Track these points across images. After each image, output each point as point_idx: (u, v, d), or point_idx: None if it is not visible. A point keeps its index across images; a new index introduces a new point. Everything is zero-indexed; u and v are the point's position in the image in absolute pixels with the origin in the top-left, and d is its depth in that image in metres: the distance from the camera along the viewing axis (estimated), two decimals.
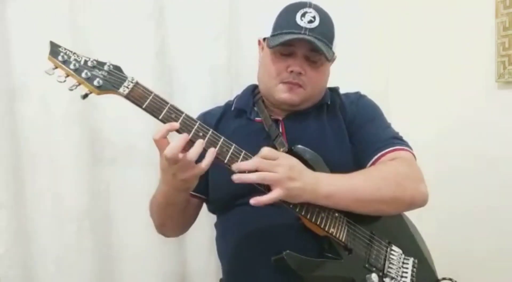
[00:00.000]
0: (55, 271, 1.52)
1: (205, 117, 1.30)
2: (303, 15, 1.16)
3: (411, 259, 1.19)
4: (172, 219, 1.22)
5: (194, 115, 1.36)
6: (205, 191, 1.25)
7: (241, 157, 0.99)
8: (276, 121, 1.25)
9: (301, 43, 1.16)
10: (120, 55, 1.53)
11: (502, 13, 1.63)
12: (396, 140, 1.22)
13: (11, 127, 1.45)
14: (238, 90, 1.63)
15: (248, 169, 0.97)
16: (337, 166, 1.15)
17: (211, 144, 0.97)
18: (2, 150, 1.44)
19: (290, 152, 1.11)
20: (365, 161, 1.19)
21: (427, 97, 1.89)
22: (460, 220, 1.74)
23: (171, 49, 1.63)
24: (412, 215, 1.30)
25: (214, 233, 1.33)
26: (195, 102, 1.64)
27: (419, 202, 1.15)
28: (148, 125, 1.59)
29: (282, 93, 1.20)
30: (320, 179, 1.06)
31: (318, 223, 1.07)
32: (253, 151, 1.02)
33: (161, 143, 0.94)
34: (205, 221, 1.67)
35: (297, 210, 1.04)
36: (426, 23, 1.88)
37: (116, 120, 1.56)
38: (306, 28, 1.15)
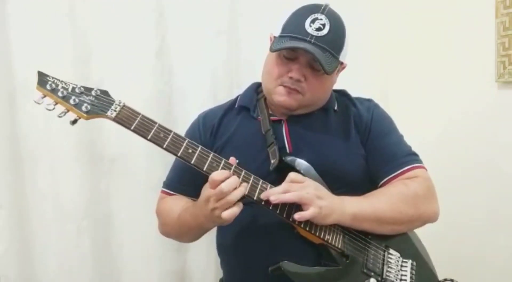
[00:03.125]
0: (55, 271, 1.52)
1: (204, 119, 1.30)
2: (313, 21, 1.14)
3: (409, 262, 1.19)
4: (193, 236, 1.25)
5: (195, 115, 1.38)
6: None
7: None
8: (280, 121, 1.24)
9: (304, 51, 1.14)
10: (120, 55, 1.55)
11: (502, 13, 1.63)
12: (412, 156, 1.24)
13: (11, 127, 1.45)
14: (238, 90, 1.63)
15: (279, 192, 1.04)
16: (341, 172, 1.16)
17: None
18: (2, 150, 1.44)
19: (281, 162, 1.13)
20: (381, 176, 1.22)
21: (427, 98, 1.89)
22: (460, 220, 1.74)
23: (171, 49, 1.63)
24: None
25: (214, 233, 1.32)
26: (195, 102, 1.64)
27: (431, 221, 1.21)
28: None
29: (279, 96, 1.19)
30: (345, 200, 1.10)
31: (312, 231, 1.07)
32: (250, 158, 1.10)
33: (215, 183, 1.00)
34: None
35: (290, 219, 1.05)
36: (426, 23, 1.88)
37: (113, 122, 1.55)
38: (312, 36, 1.13)
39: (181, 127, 1.49)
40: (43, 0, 1.46)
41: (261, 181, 1.06)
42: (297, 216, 1.03)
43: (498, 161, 1.68)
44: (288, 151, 1.20)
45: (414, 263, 1.20)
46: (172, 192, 1.29)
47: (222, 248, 1.28)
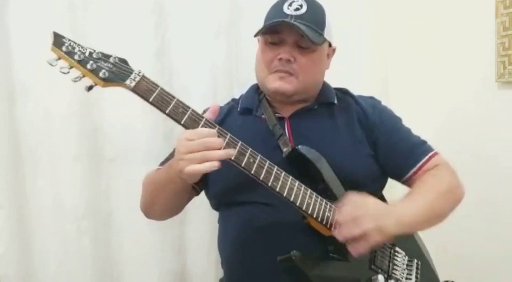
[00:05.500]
0: (55, 271, 1.52)
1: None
2: (290, 4, 1.16)
3: (415, 261, 1.19)
4: (164, 199, 1.19)
5: None
6: (201, 185, 1.22)
7: (258, 159, 0.99)
8: (282, 119, 1.23)
9: (288, 30, 1.14)
10: (120, 55, 1.55)
11: (502, 13, 1.63)
12: (425, 145, 1.25)
13: (11, 127, 1.45)
14: (238, 90, 1.63)
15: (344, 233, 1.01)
16: (346, 168, 1.14)
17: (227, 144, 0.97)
18: (2, 150, 1.44)
19: (294, 151, 1.11)
20: (404, 172, 1.22)
21: (426, 97, 1.89)
22: (460, 220, 1.74)
23: (171, 49, 1.63)
24: None
25: (214, 233, 1.32)
26: (195, 102, 1.63)
27: (462, 199, 1.21)
28: (147, 124, 1.60)
29: (273, 83, 1.18)
30: (400, 210, 1.08)
31: (324, 222, 1.05)
32: (258, 149, 1.03)
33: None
34: (205, 221, 1.68)
35: (304, 208, 1.03)
36: (426, 23, 1.88)
37: (116, 120, 1.56)
38: (292, 16, 1.14)
39: (181, 127, 1.50)
40: (43, 0, 1.46)
41: (267, 162, 1.01)
42: (354, 251, 1.00)
43: (498, 160, 1.68)
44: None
45: (419, 263, 1.20)
46: None
47: (223, 247, 1.26)
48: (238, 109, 1.29)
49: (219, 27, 1.69)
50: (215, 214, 1.30)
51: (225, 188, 1.17)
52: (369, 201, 1.05)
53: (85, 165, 1.54)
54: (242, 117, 1.26)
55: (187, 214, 1.63)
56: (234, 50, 1.71)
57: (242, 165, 0.97)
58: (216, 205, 1.28)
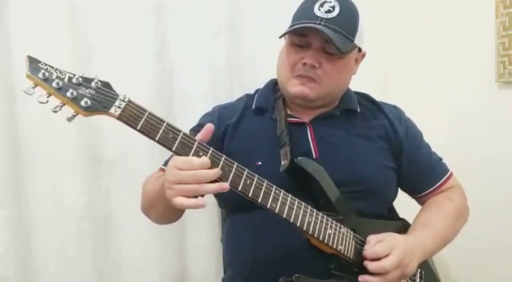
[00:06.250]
0: (55, 271, 1.52)
1: (220, 113, 1.23)
2: (322, 4, 1.09)
3: (418, 270, 1.17)
4: (159, 211, 1.13)
5: (195, 115, 1.37)
6: None
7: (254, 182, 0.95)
8: (303, 124, 1.18)
9: (316, 34, 1.08)
10: (120, 55, 1.55)
11: (502, 13, 1.63)
12: (443, 165, 1.29)
13: (11, 127, 1.45)
14: (238, 90, 1.63)
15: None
16: (366, 176, 1.14)
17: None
18: (2, 150, 1.44)
19: (293, 164, 1.07)
20: (422, 189, 1.26)
21: (426, 97, 1.88)
22: None
23: (171, 49, 1.63)
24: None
25: (214, 233, 1.32)
26: (195, 102, 1.64)
27: None
28: None
29: (294, 87, 1.13)
30: (421, 242, 1.11)
31: (325, 241, 1.03)
32: (263, 158, 1.05)
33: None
34: (205, 221, 1.67)
35: (304, 228, 1.00)
36: (426, 23, 1.88)
37: (116, 120, 1.55)
38: (322, 18, 1.07)
39: (181, 127, 1.49)
40: (43, 1, 1.46)
41: (265, 182, 0.97)
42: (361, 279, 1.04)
43: (498, 160, 1.68)
44: (314, 156, 1.14)
45: (423, 272, 1.19)
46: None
47: (231, 250, 1.23)
48: (253, 107, 1.23)
49: (219, 27, 1.69)
50: (215, 215, 1.30)
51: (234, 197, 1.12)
52: (399, 241, 1.07)
53: (85, 165, 1.54)
54: (256, 118, 1.21)
55: (188, 215, 1.62)
56: (234, 50, 1.71)
57: (239, 189, 0.93)
58: (225, 207, 1.26)
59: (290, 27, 1.12)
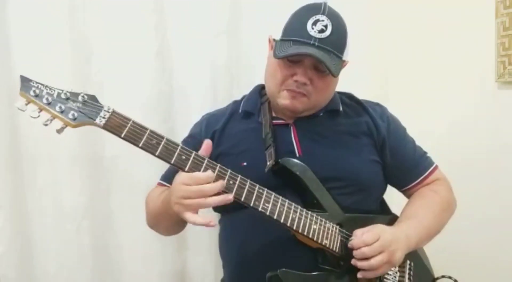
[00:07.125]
0: (55, 271, 1.52)
1: (208, 122, 1.28)
2: (315, 23, 1.12)
3: (407, 262, 1.19)
4: (165, 226, 1.24)
5: (195, 115, 1.38)
6: None
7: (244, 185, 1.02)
8: (287, 125, 1.22)
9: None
10: (120, 55, 1.55)
11: (502, 13, 1.63)
12: (427, 158, 1.32)
13: (11, 127, 1.45)
14: (238, 90, 1.63)
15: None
16: (353, 173, 1.17)
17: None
18: (2, 150, 1.44)
19: (277, 164, 1.11)
20: (406, 183, 1.30)
21: (426, 98, 1.88)
22: (459, 220, 1.74)
23: (171, 49, 1.63)
24: None
25: (214, 233, 1.32)
26: (195, 102, 1.64)
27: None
28: (148, 124, 1.60)
29: (284, 100, 1.17)
30: (406, 232, 1.14)
31: (310, 236, 1.07)
32: (249, 159, 1.09)
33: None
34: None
35: (288, 224, 1.04)
36: (426, 23, 1.88)
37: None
38: (316, 38, 1.11)
39: (181, 127, 1.50)
40: (43, 0, 1.46)
41: (257, 186, 1.03)
42: (360, 275, 1.07)
43: (498, 160, 1.68)
44: (297, 154, 1.18)
45: (412, 264, 1.20)
46: (166, 183, 1.26)
47: (223, 250, 1.28)
48: (240, 111, 1.27)
49: (219, 27, 1.69)
50: (215, 215, 1.30)
51: None
52: (385, 231, 1.10)
53: (85, 165, 1.54)
54: (243, 122, 1.26)
55: None
56: (234, 50, 1.71)
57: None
58: (215, 209, 1.27)
59: (283, 41, 1.14)
